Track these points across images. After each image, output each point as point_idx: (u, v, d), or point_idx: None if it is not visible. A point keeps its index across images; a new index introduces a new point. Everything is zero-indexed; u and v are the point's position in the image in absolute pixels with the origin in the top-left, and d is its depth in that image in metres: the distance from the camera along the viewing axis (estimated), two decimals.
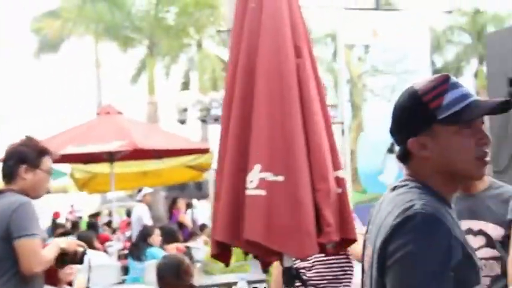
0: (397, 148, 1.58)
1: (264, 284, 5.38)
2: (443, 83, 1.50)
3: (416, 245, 1.35)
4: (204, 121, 13.15)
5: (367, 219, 1.65)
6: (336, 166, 2.94)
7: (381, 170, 5.45)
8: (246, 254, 3.10)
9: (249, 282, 5.48)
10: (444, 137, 1.48)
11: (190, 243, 8.97)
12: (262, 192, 2.81)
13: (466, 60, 22.36)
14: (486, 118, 1.57)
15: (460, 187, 1.57)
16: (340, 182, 2.93)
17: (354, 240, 2.91)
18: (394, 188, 1.54)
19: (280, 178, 2.82)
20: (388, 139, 5.24)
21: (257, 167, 2.80)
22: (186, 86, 21.23)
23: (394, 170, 5.49)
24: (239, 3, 3.01)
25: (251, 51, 2.88)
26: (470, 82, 20.16)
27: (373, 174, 5.44)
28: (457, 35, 25.18)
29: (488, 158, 1.49)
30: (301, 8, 3.01)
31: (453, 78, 1.53)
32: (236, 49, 2.95)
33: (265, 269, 3.15)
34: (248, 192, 2.82)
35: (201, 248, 8.82)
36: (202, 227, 11.68)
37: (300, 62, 2.87)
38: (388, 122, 1.57)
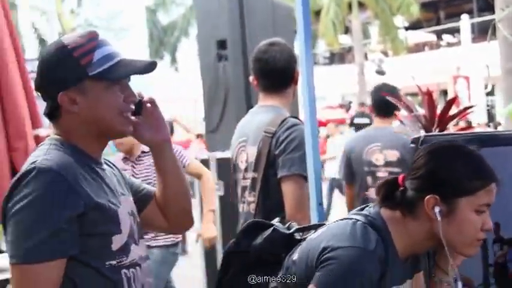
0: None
1: None
2: (92, 40, 1.52)
3: (31, 197, 1.37)
4: None
5: None
6: (36, 124, 2.81)
7: None
8: None
9: None
10: (94, 92, 1.50)
11: None
12: None
13: (191, 22, 23.17)
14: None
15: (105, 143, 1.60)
16: (40, 140, 2.80)
17: None
18: None
19: None
20: None
21: None
22: None
23: None
24: None
25: None
26: (193, 43, 20.93)
27: None
28: None
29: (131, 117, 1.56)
30: None
31: (101, 36, 1.55)
32: None
33: None
34: None
35: None
36: None
37: None
38: None
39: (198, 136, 11.17)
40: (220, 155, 4.42)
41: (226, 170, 4.15)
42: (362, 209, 1.57)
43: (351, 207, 3.78)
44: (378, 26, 23.24)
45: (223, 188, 4.40)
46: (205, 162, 4.57)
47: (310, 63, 1.97)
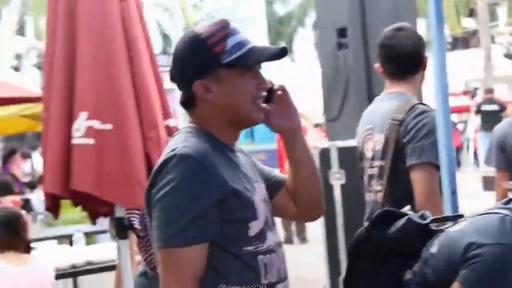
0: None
1: (106, 235, 5.30)
2: (224, 28, 1.53)
3: (173, 183, 1.43)
4: (40, 68, 12.54)
5: None
6: (166, 115, 2.93)
7: None
8: (76, 205, 3.01)
9: (87, 234, 5.37)
10: (228, 80, 1.52)
11: (30, 195, 8.57)
12: (91, 141, 2.74)
13: (307, 12, 23.09)
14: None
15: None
16: (170, 130, 2.92)
17: None
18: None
19: (109, 126, 2.75)
20: None
21: (83, 115, 2.71)
22: (21, 31, 19.91)
23: None
24: None
25: None
26: (309, 32, 20.88)
27: None
28: None
29: (263, 104, 1.56)
30: None
31: (232, 24, 1.56)
32: None
33: (94, 221, 3.08)
34: (75, 141, 2.73)
35: (41, 200, 8.44)
36: (41, 178, 11.17)
37: (124, 5, 2.77)
38: None
39: (316, 125, 11.15)
40: (341, 144, 4.38)
41: (347, 159, 4.13)
42: (507, 203, 1.47)
43: (504, 197, 3.60)
44: (507, 6, 21.94)
45: (345, 177, 4.37)
46: (326, 151, 4.58)
47: (443, 47, 1.89)
